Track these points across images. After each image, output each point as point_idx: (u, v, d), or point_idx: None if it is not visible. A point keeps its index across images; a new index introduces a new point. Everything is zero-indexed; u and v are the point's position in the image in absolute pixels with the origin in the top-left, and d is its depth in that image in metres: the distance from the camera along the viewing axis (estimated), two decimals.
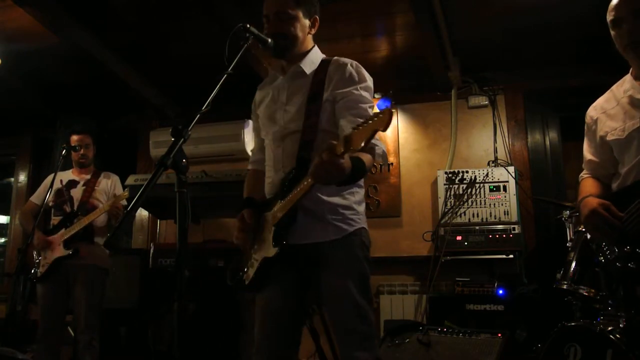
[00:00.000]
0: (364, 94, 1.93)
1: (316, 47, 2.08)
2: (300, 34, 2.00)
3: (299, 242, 1.88)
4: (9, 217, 5.81)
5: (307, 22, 2.02)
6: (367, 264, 1.97)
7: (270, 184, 2.02)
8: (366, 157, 1.75)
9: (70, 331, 3.84)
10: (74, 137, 3.78)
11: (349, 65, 1.97)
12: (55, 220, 3.69)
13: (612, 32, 1.99)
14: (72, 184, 3.77)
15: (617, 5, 1.95)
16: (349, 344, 1.86)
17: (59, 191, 3.72)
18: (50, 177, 3.84)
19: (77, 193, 3.71)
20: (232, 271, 2.09)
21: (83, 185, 3.75)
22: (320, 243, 1.91)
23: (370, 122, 1.48)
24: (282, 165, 1.97)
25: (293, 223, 1.86)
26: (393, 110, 1.50)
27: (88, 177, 3.79)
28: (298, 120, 1.95)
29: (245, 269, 2.02)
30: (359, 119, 1.78)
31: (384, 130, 1.46)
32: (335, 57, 2.04)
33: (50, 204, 3.70)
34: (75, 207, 3.66)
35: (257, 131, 2.21)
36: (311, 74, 2.00)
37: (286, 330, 1.96)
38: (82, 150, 3.76)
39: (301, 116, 1.94)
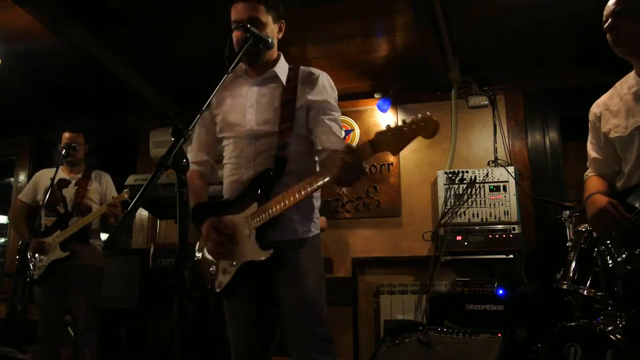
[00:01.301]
0: (335, 103, 2.05)
1: (282, 55, 2.13)
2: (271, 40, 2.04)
3: (267, 239, 1.88)
4: (7, 217, 5.81)
5: (276, 27, 2.07)
6: (323, 266, 2.05)
7: (236, 182, 2.02)
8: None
9: (70, 331, 3.84)
10: (66, 135, 3.72)
11: (321, 75, 2.07)
12: (47, 220, 3.64)
13: (607, 35, 2.04)
14: (64, 183, 3.70)
15: (605, 10, 2.04)
16: (309, 346, 1.86)
17: (50, 190, 3.64)
18: (39, 175, 3.81)
19: (69, 193, 3.67)
20: (193, 278, 2.05)
21: (75, 185, 3.69)
22: (286, 241, 1.92)
23: (407, 128, 1.52)
24: (253, 163, 1.98)
25: (274, 225, 1.87)
26: (435, 119, 1.52)
27: (79, 176, 3.73)
28: (273, 122, 1.99)
29: (213, 276, 1.98)
30: (335, 124, 1.95)
31: (429, 138, 1.51)
32: (303, 67, 2.11)
33: (41, 203, 3.63)
34: (69, 208, 3.62)
35: (206, 129, 2.16)
36: (284, 80, 2.05)
37: (260, 332, 1.98)
38: (73, 148, 3.69)
39: (276, 119, 1.99)
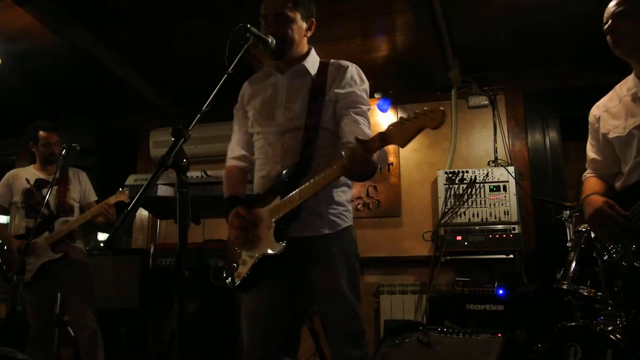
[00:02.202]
0: (365, 95, 2.01)
1: (313, 49, 2.11)
2: (297, 36, 2.03)
3: (294, 235, 1.88)
4: (9, 217, 5.80)
5: (304, 24, 2.06)
6: (357, 260, 2.01)
7: (265, 178, 2.02)
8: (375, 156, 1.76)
9: (71, 331, 3.83)
10: (42, 134, 3.64)
11: (350, 67, 2.04)
12: (29, 222, 3.52)
13: (607, 37, 2.05)
14: (42, 183, 3.61)
15: (605, 12, 2.05)
16: (341, 342, 1.88)
17: (28, 191, 3.58)
18: (11, 174, 3.71)
19: (50, 194, 3.48)
20: (217, 270, 2.06)
21: (55, 185, 3.54)
22: (314, 237, 1.92)
23: (415, 119, 1.51)
24: (280, 159, 1.98)
25: (296, 219, 1.86)
26: (442, 109, 1.50)
27: (57, 176, 3.52)
28: (300, 118, 1.98)
29: (235, 267, 1.99)
30: (362, 117, 1.90)
31: (435, 128, 1.49)
32: (333, 60, 2.09)
33: (20, 205, 3.57)
34: (53, 209, 3.54)
35: (241, 126, 2.17)
36: (313, 74, 2.03)
37: (279, 331, 1.98)
38: (50, 147, 3.63)
39: (303, 114, 1.97)
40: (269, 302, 1.96)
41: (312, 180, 1.79)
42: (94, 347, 3.38)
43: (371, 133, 1.86)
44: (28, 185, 3.60)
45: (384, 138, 1.58)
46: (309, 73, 2.04)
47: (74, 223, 3.50)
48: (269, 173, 2.00)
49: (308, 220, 1.90)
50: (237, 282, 1.96)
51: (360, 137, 1.63)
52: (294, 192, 1.84)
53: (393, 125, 1.58)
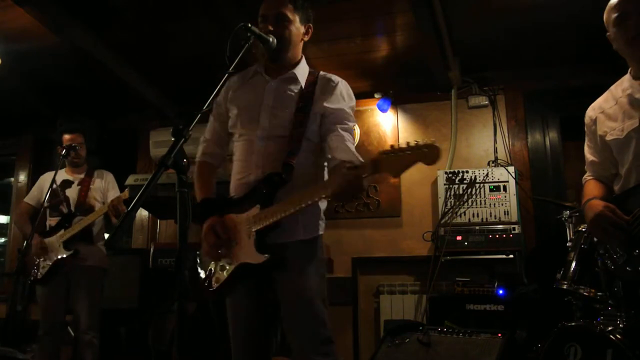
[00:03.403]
0: (351, 112, 2.04)
1: (304, 58, 2.13)
2: (294, 38, 2.05)
3: (269, 242, 1.88)
4: (9, 217, 5.81)
5: (302, 28, 2.07)
6: (326, 268, 2.04)
7: (243, 181, 2.01)
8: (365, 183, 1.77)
9: (70, 331, 3.84)
10: (66, 137, 3.74)
11: (339, 83, 2.07)
12: (52, 221, 3.66)
13: (614, 29, 2.00)
14: (67, 183, 3.74)
15: (621, 3, 1.98)
16: (309, 348, 1.85)
17: (53, 192, 3.69)
18: (43, 178, 3.84)
19: (72, 193, 3.69)
20: (192, 276, 2.05)
21: (78, 184, 3.72)
22: (288, 242, 1.91)
23: (410, 152, 1.52)
24: (262, 164, 1.97)
25: (276, 229, 1.86)
26: (438, 146, 1.52)
27: (82, 176, 3.76)
28: (286, 126, 1.98)
29: (211, 272, 1.99)
30: (348, 134, 1.94)
31: (429, 165, 1.51)
32: (322, 72, 2.11)
33: (46, 204, 3.66)
34: (72, 208, 3.64)
35: (221, 122, 2.15)
36: (303, 84, 2.05)
37: (260, 332, 1.98)
38: (73, 149, 3.72)
39: (289, 123, 1.98)
40: (250, 305, 1.97)
41: (296, 196, 1.78)
42: (89, 353, 3.43)
43: (355, 150, 1.92)
44: (55, 186, 3.70)
45: (377, 167, 1.58)
46: (299, 82, 2.05)
47: (84, 221, 3.53)
48: (247, 177, 2.00)
49: (286, 226, 1.89)
50: (215, 286, 1.96)
51: (352, 163, 1.64)
52: (277, 205, 1.84)
53: (386, 153, 1.57)
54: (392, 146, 1.57)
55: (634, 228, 1.87)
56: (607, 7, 2.04)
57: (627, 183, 2.03)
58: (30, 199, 3.83)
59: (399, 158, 1.54)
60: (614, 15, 1.99)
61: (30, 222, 3.70)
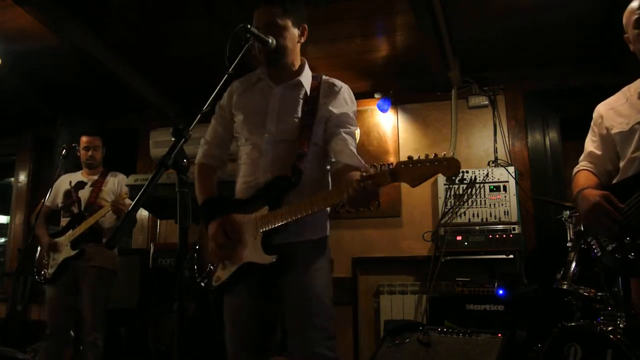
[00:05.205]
0: (354, 116, 2.08)
1: (306, 63, 2.14)
2: (290, 44, 2.05)
3: (276, 242, 1.89)
4: (9, 217, 5.81)
5: (296, 31, 2.07)
6: (332, 268, 2.08)
7: (250, 184, 2.02)
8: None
9: (71, 331, 3.83)
10: (84, 139, 3.83)
11: (343, 87, 2.10)
12: (64, 221, 3.72)
13: (634, 31, 2.00)
14: (81, 185, 3.80)
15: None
16: (314, 341, 1.86)
17: (67, 193, 3.76)
18: (61, 179, 3.89)
19: (84, 194, 3.74)
20: (191, 271, 2.06)
21: (90, 186, 3.77)
22: (294, 242, 1.93)
23: (430, 164, 1.54)
24: (270, 168, 1.98)
25: (283, 230, 1.87)
26: (458, 159, 1.54)
27: (96, 177, 3.82)
28: (293, 131, 2.00)
29: (212, 270, 2.00)
30: (351, 138, 1.97)
31: (448, 176, 1.54)
32: (325, 77, 2.13)
33: (60, 205, 3.75)
34: (82, 208, 3.68)
35: (224, 125, 2.16)
36: (307, 90, 2.07)
37: (261, 332, 1.98)
38: (90, 151, 3.80)
39: (297, 128, 2.00)
40: (252, 304, 1.97)
41: (308, 200, 1.80)
42: (91, 355, 3.44)
43: (357, 154, 1.94)
44: (69, 187, 3.78)
45: (395, 175, 1.60)
46: (304, 88, 2.07)
47: (90, 220, 3.56)
48: (255, 180, 2.01)
49: (291, 227, 1.90)
50: (215, 284, 1.97)
51: (368, 171, 1.64)
52: (286, 208, 1.85)
53: (404, 164, 1.58)
54: (410, 157, 1.58)
55: (628, 216, 1.88)
56: (628, 9, 2.05)
57: (625, 174, 2.03)
58: (47, 200, 3.85)
59: (418, 169, 1.56)
60: (635, 17, 1.99)
61: (45, 222, 3.76)
